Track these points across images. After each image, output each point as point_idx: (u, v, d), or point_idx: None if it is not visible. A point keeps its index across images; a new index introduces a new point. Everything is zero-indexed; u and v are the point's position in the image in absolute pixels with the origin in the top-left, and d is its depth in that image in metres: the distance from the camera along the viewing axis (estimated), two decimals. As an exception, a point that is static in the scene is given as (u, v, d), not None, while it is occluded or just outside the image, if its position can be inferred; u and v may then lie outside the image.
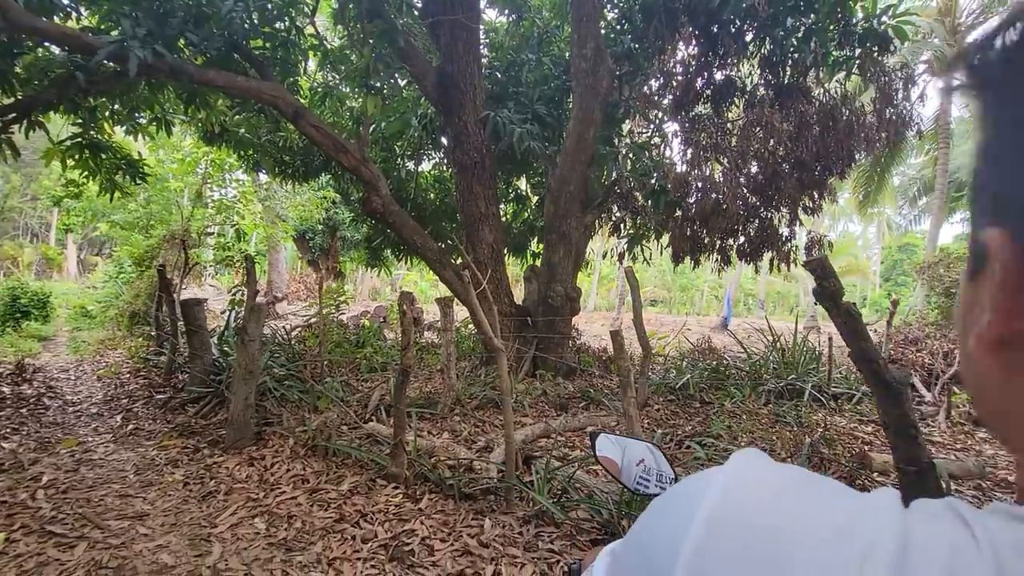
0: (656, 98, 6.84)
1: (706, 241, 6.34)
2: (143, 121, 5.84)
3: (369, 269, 10.38)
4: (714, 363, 6.38)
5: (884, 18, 5.38)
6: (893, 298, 8.05)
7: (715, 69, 6.04)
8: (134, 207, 9.71)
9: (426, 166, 8.82)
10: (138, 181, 6.03)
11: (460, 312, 7.07)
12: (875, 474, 3.75)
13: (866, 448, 4.33)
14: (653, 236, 6.94)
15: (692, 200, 6.24)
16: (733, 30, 5.55)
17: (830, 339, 6.61)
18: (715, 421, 4.56)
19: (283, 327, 8.30)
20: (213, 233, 9.78)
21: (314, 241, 16.73)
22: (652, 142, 6.76)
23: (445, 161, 8.37)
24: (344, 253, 17.00)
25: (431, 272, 9.10)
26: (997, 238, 0.24)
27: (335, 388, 4.72)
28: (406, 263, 9.93)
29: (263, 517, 2.70)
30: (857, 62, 5.46)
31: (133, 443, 3.90)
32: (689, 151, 6.20)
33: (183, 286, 8.54)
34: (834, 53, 5.59)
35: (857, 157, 6.03)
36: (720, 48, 5.72)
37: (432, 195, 8.71)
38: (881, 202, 24.05)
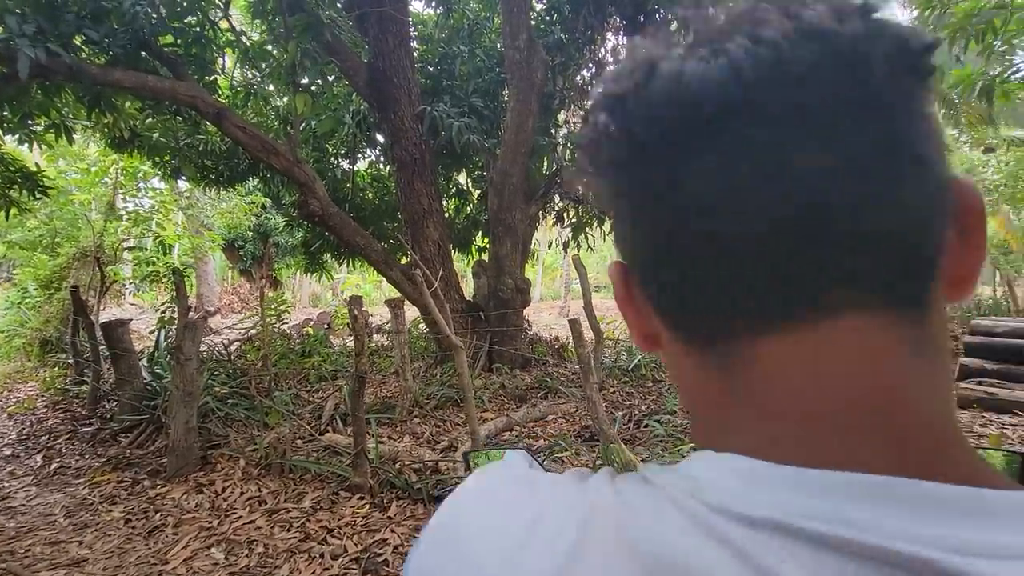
0: (589, 88, 6.95)
1: (646, 225, 6.55)
2: (38, 128, 5.27)
3: (308, 275, 9.96)
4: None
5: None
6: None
7: (644, 58, 6.21)
8: (34, 224, 8.80)
9: (361, 165, 8.54)
10: (38, 195, 5.45)
11: (409, 312, 6.94)
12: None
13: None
14: (596, 223, 7.09)
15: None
16: (659, 19, 5.73)
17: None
18: (668, 398, 4.75)
19: (220, 342, 7.81)
20: (131, 248, 9.03)
21: (245, 249, 15.84)
22: (589, 131, 6.88)
23: (381, 159, 8.15)
24: (279, 260, 16.21)
25: (374, 273, 8.85)
26: (614, 265, 0.32)
27: (284, 402, 4.50)
28: (347, 266, 9.61)
29: (220, 546, 2.54)
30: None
31: (60, 483, 3.55)
32: (624, 139, 6.36)
33: (101, 307, 7.85)
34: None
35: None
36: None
37: (370, 194, 8.45)
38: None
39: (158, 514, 2.91)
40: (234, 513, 2.87)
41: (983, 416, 4.58)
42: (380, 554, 2.41)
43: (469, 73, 6.66)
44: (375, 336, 8.72)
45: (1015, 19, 5.57)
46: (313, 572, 2.30)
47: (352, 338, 3.84)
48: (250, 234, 15.60)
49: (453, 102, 6.13)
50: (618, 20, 6.00)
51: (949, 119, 16.68)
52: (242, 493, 3.11)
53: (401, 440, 4.00)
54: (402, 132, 5.68)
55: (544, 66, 5.72)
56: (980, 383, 5.07)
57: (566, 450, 3.66)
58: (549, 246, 8.17)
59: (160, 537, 2.65)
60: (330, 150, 8.00)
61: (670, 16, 5.88)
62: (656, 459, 3.20)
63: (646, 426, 4.07)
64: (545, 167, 6.57)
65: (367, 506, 2.87)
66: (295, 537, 2.58)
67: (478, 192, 8.24)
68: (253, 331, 7.23)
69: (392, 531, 2.60)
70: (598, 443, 3.81)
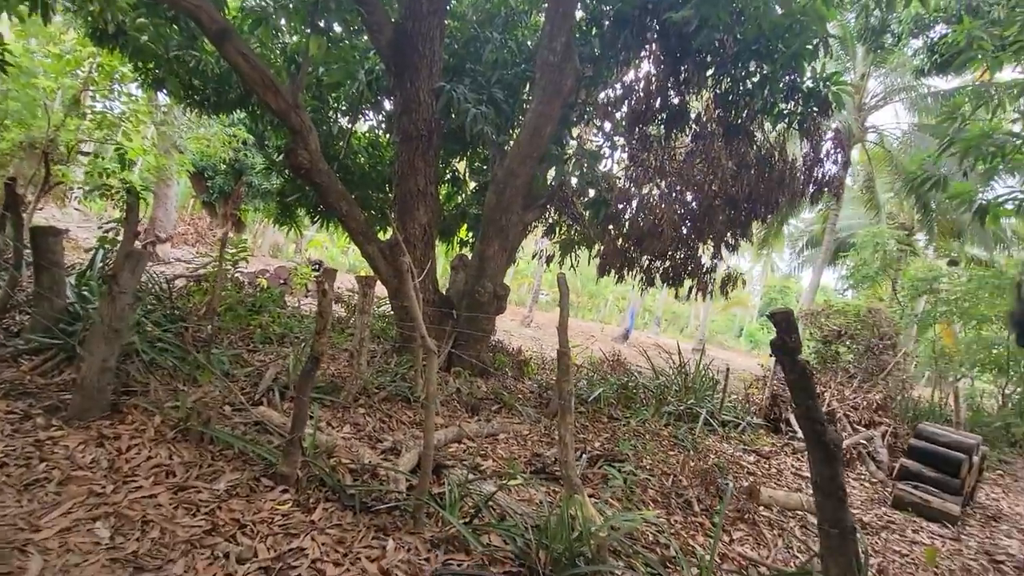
0: (611, 109, 6.80)
1: (635, 260, 6.43)
2: (11, -4, 4.67)
3: (277, 226, 9.41)
4: (624, 379, 6.51)
5: (828, 83, 5.74)
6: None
7: (673, 93, 6.10)
8: (-16, 99, 7.93)
9: (361, 126, 8.10)
10: (-7, 69, 4.83)
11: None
12: (761, 508, 3.97)
13: (753, 480, 4.61)
14: (585, 245, 6.93)
15: (628, 217, 6.30)
16: (698, 59, 5.62)
17: (727, 370, 7.04)
18: (622, 441, 4.59)
19: (162, 273, 7.20)
20: (89, 153, 8.26)
21: (214, 182, 14.97)
22: (602, 152, 6.72)
23: (383, 126, 7.74)
24: (248, 201, 15.40)
25: (344, 237, 8.40)
26: None
27: (221, 361, 4.09)
28: (320, 226, 9.12)
29: (107, 520, 2.17)
30: (798, 117, 5.78)
31: (-66, 399, 3.05)
32: (634, 169, 6.22)
33: (39, 207, 7.11)
34: (780, 105, 5.87)
35: (780, 204, 6.43)
36: (682, 74, 5.77)
37: (363, 159, 8.03)
38: (772, 246, 26.64)
39: (43, 464, 2.49)
40: (134, 481, 2.49)
41: (914, 521, 4.63)
42: (294, 567, 2.10)
43: (496, 62, 6.38)
44: (334, 305, 8.28)
45: (1021, 149, 5.73)
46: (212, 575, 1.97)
47: (313, 304, 3.49)
48: (223, 167, 14.76)
49: (473, 87, 5.83)
50: (657, 50, 5.86)
51: (924, 225, 17.52)
52: (149, 457, 2.73)
53: (341, 429, 3.68)
54: (415, 104, 5.35)
55: (576, 75, 5.52)
56: (916, 487, 5.14)
57: (515, 479, 3.43)
58: (533, 256, 7.96)
59: (38, 495, 2.25)
60: (331, 103, 7.54)
61: (709, 59, 5.79)
62: (611, 511, 3.01)
63: (600, 468, 3.89)
64: (554, 178, 6.35)
65: (290, 502, 2.55)
66: (200, 526, 2.24)
67: (475, 184, 7.95)
68: (201, 270, 6.70)
69: (313, 539, 2.29)
70: (549, 478, 3.60)
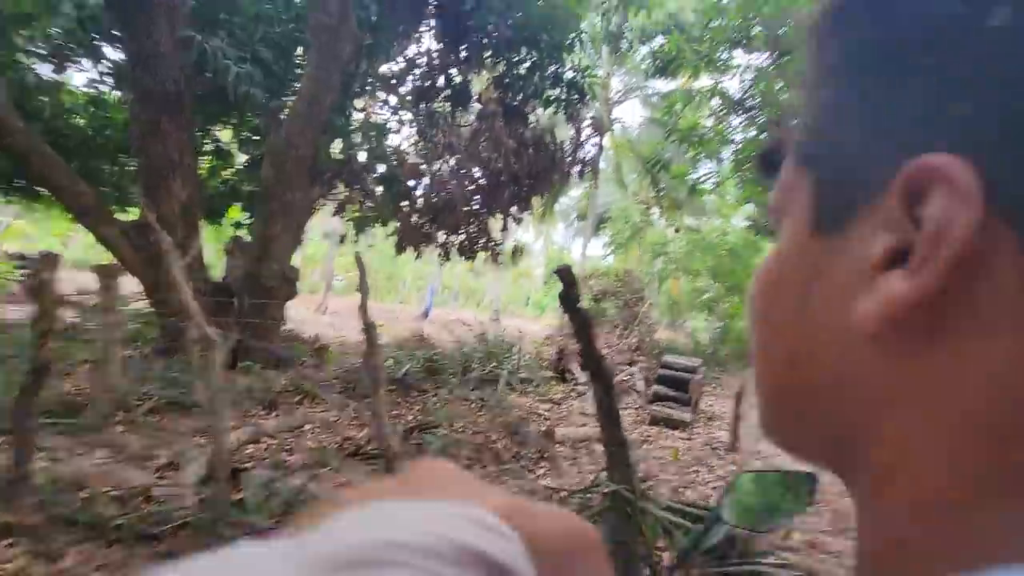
0: (395, 83, 6.68)
1: (432, 235, 6.56)
2: None
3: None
4: (430, 353, 6.65)
5: (584, 75, 6.63)
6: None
7: (455, 72, 6.29)
8: None
9: (77, 79, 6.35)
10: None
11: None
12: (557, 445, 4.56)
13: (548, 423, 5.25)
14: (380, 222, 6.77)
15: (421, 193, 6.36)
16: (475, 40, 5.89)
17: (520, 334, 7.78)
18: (436, 410, 4.72)
19: None
20: None
21: None
22: (389, 127, 6.58)
23: (111, 79, 6.20)
24: None
25: (61, 222, 6.57)
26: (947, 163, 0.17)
27: None
28: (24, 208, 6.93)
29: None
30: (564, 104, 6.56)
31: None
32: (424, 145, 6.29)
33: None
34: (548, 91, 6.57)
35: (554, 181, 7.26)
36: (463, 53, 5.98)
37: (81, 121, 6.32)
38: (549, 220, 29.89)
39: None
40: None
41: (664, 432, 5.90)
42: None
43: (257, 16, 5.63)
44: (60, 309, 6.44)
45: (714, 140, 7.53)
46: None
47: (19, 312, 2.69)
48: None
49: (233, 43, 5.06)
50: (437, 27, 5.94)
51: (657, 200, 21.74)
52: None
53: (91, 455, 2.96)
54: (156, 57, 4.41)
55: (354, 40, 5.24)
56: (663, 406, 6.52)
57: (327, 466, 3.25)
58: (325, 236, 7.44)
59: None
60: (21, 44, 5.69)
61: (485, 42, 6.11)
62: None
63: (415, 438, 3.94)
64: (341, 151, 5.98)
65: (25, 556, 1.97)
66: None
67: (246, 157, 6.99)
68: None
69: (67, 592, 1.83)
70: (365, 458, 3.51)
